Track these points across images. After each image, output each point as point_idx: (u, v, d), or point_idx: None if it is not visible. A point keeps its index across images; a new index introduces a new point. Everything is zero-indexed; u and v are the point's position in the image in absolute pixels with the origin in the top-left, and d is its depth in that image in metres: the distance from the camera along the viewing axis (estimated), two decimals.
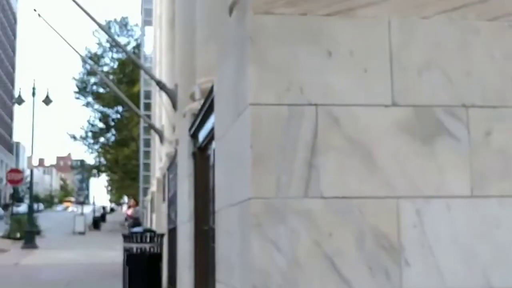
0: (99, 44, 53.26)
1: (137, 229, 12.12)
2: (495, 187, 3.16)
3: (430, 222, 3.08)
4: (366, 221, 3.03)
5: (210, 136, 5.71)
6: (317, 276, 2.97)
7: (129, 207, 59.50)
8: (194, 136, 7.29)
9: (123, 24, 55.22)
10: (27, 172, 49.55)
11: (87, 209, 60.18)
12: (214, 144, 4.98)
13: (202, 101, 6.46)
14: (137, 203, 17.50)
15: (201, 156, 6.88)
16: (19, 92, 31.19)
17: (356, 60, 3.17)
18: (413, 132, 3.15)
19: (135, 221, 15.80)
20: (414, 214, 3.08)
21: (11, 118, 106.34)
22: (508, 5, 3.34)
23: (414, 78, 3.19)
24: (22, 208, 49.52)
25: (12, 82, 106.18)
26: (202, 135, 6.61)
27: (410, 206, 3.08)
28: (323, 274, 2.97)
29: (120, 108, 51.46)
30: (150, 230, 11.90)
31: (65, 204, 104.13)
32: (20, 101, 30.89)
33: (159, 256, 11.37)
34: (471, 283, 3.09)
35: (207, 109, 5.72)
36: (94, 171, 61.17)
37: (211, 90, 5.25)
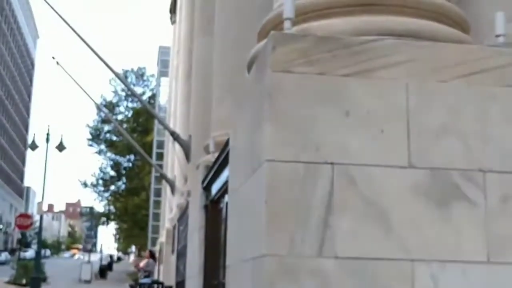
0: (115, 92, 53.92)
1: (145, 280, 12.01)
2: None
3: (445, 287, 3.03)
4: (380, 283, 2.99)
5: (224, 189, 5.71)
6: None
7: (138, 255, 58.94)
8: (207, 188, 7.29)
9: (140, 74, 55.94)
10: (36, 217, 49.57)
11: (94, 257, 59.83)
12: (227, 198, 4.98)
13: (216, 154, 6.49)
14: (152, 255, 17.16)
15: (213, 209, 6.86)
16: (33, 137, 31.46)
17: (373, 120, 3.18)
18: (429, 195, 3.13)
19: (145, 273, 15.55)
20: (429, 279, 3.03)
21: (23, 162, 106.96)
22: None
23: (431, 141, 3.19)
24: (29, 253, 49.30)
25: (26, 127, 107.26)
26: (215, 188, 6.62)
27: (425, 270, 3.04)
28: None
29: (132, 157, 51.68)
30: (158, 282, 11.81)
31: (72, 251, 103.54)
32: (34, 146, 31.13)
33: None
34: None
35: (222, 162, 5.74)
36: (103, 219, 61.02)
37: (226, 143, 5.28)
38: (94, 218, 71.45)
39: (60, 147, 30.58)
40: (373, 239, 3.04)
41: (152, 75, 55.38)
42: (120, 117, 53.19)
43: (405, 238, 3.06)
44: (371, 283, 2.99)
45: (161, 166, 28.01)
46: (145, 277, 13.93)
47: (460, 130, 3.22)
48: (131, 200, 50.16)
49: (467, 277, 3.06)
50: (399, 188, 3.11)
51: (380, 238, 3.04)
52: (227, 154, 4.89)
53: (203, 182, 7.41)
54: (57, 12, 14.27)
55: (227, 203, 4.88)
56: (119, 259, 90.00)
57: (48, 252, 78.64)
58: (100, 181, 53.92)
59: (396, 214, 3.08)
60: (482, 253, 3.09)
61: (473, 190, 3.16)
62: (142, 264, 17.60)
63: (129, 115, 53.63)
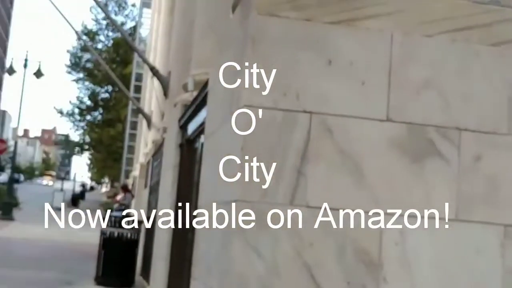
0: (96, 21, 52.77)
1: (116, 213, 12.02)
2: (480, 212, 3.16)
3: (412, 242, 3.07)
4: (348, 234, 3.02)
5: (200, 130, 5.67)
6: (295, 285, 2.95)
7: (111, 186, 58.76)
8: (183, 127, 7.24)
9: (120, 3, 54.58)
10: (11, 142, 49.12)
11: (67, 185, 59.77)
12: (203, 138, 4.95)
13: (195, 93, 6.42)
14: (126, 189, 17.18)
15: (188, 149, 6.84)
16: (11, 62, 30.89)
17: (355, 71, 3.15)
18: (404, 150, 3.14)
19: (121, 207, 15.62)
20: (397, 232, 3.07)
21: (0, 86, 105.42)
22: (510, 32, 3.33)
23: (411, 96, 3.18)
24: (2, 177, 49.09)
25: (4, 50, 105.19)
26: (191, 127, 6.57)
27: (393, 224, 3.07)
28: (301, 284, 2.96)
29: (110, 88, 51.09)
30: (129, 215, 11.83)
31: (46, 178, 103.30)
32: (11, 71, 30.61)
33: (136, 243, 11.32)
34: None
35: (200, 102, 5.68)
36: (78, 148, 60.73)
37: (205, 83, 5.22)
38: (69, 147, 71.03)
39: (38, 74, 30.16)
40: (345, 190, 3.05)
41: (134, 5, 54.12)
42: (100, 46, 52.23)
43: (377, 191, 3.07)
44: (339, 234, 3.01)
45: (138, 99, 27.69)
46: (120, 210, 13.94)
47: (440, 86, 3.21)
48: (107, 132, 49.84)
49: (434, 233, 3.10)
50: (375, 141, 3.11)
51: (352, 189, 3.05)
52: (206, 94, 4.83)
53: (179, 120, 7.35)
54: None
55: (202, 144, 4.86)
56: (92, 188, 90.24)
57: (21, 177, 78.40)
58: (76, 110, 53.34)
59: (370, 167, 3.08)
60: (451, 210, 3.13)
61: (448, 147, 3.17)
62: (119, 197, 17.67)
63: (109, 45, 52.68)
